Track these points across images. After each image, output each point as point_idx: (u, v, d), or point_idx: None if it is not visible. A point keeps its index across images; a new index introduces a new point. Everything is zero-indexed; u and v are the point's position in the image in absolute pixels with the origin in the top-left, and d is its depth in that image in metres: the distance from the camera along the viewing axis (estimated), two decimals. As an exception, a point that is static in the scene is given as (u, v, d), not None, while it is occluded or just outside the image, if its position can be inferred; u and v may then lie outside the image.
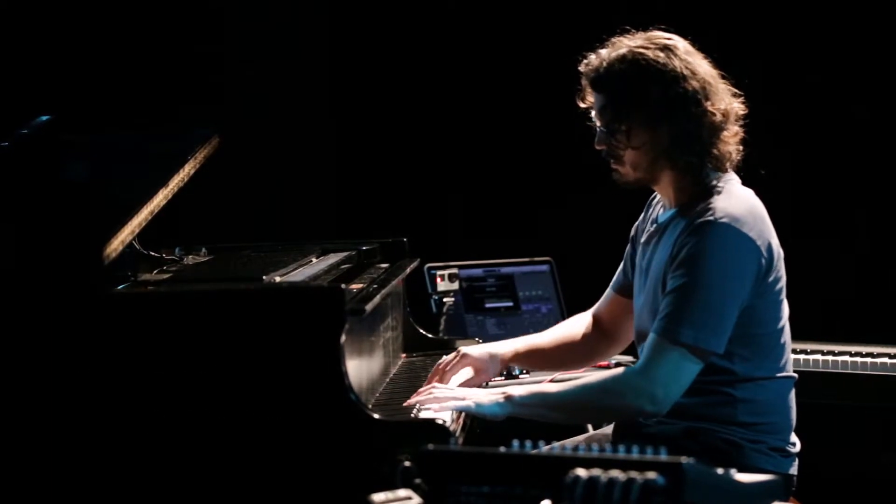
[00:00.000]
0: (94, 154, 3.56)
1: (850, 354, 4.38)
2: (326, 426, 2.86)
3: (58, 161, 3.40)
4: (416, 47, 5.56)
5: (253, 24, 5.55)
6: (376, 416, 2.89)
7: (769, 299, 3.13)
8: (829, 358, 4.37)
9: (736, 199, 3.12)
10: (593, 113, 3.23)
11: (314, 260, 3.60)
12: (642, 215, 3.40)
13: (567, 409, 3.15)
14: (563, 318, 4.79)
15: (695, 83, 3.11)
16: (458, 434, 3.08)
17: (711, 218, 3.06)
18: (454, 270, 4.59)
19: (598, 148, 3.22)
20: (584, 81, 3.23)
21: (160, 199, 3.27)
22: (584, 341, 3.56)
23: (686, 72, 3.12)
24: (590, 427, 4.52)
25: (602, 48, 3.20)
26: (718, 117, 3.12)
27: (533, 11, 5.49)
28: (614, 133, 3.16)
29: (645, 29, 3.21)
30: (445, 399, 3.12)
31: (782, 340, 3.19)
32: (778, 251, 3.15)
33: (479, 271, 4.85)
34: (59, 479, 2.91)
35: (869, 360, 4.33)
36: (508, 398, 3.11)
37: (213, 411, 2.89)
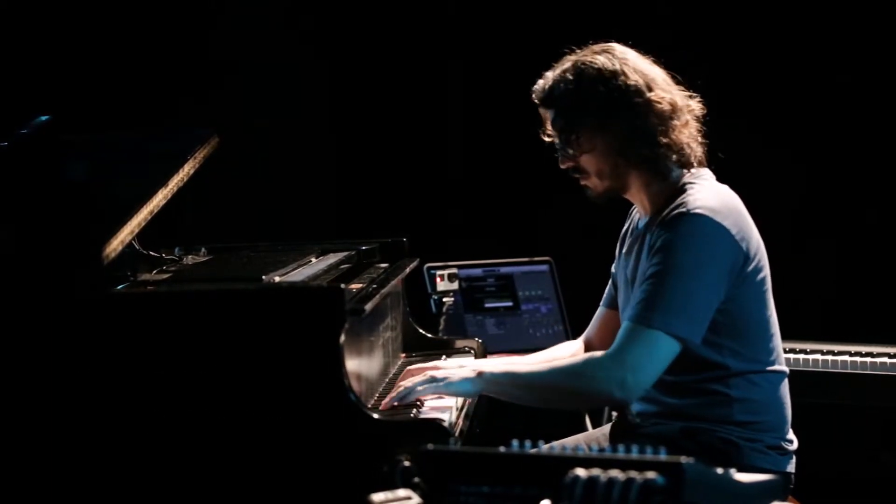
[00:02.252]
0: (94, 154, 3.56)
1: (850, 354, 4.38)
2: (326, 426, 2.86)
3: (57, 161, 3.40)
4: (415, 47, 5.57)
5: (252, 24, 5.55)
6: (375, 415, 2.89)
7: (752, 290, 3.13)
8: (829, 358, 4.38)
9: (708, 192, 3.13)
10: (547, 128, 3.28)
11: (314, 260, 3.60)
12: (625, 226, 3.42)
13: (536, 390, 3.14)
14: (563, 318, 4.82)
15: (634, 76, 3.16)
16: (457, 434, 3.08)
17: (685, 209, 3.08)
18: (454, 270, 4.60)
19: (563, 167, 3.27)
20: (540, 110, 3.28)
21: (160, 198, 3.27)
22: None
23: (624, 67, 3.17)
24: (589, 426, 4.53)
25: (548, 71, 3.27)
26: (665, 106, 3.16)
27: (533, 11, 5.49)
28: (569, 143, 3.19)
29: (587, 44, 3.27)
30: (415, 384, 3.13)
31: (771, 332, 3.19)
32: (758, 242, 3.16)
33: (478, 271, 4.85)
34: (58, 478, 2.91)
35: (869, 359, 4.34)
36: (479, 374, 3.12)
37: (212, 411, 2.89)
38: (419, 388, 3.12)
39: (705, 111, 3.25)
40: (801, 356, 4.36)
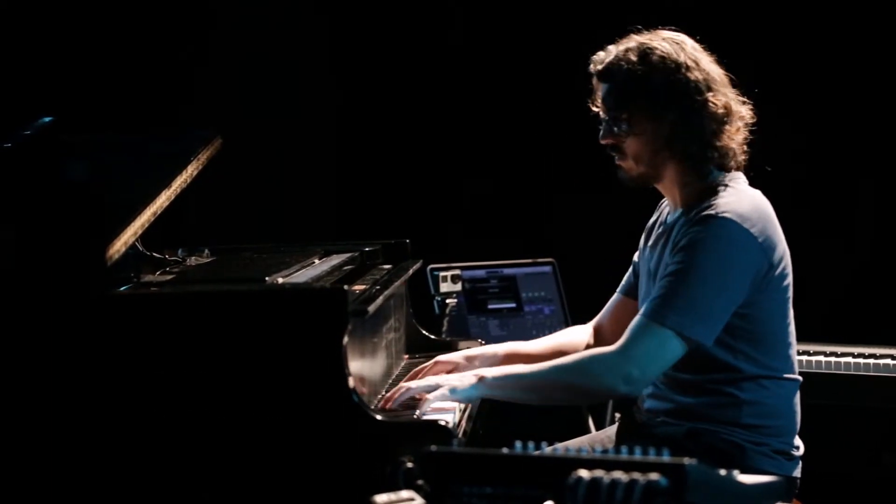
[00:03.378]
0: (97, 155, 3.55)
1: (853, 356, 4.38)
2: (329, 427, 2.87)
3: (60, 162, 3.40)
4: (417, 48, 5.57)
5: (254, 25, 5.55)
6: (379, 417, 2.89)
7: (775, 297, 3.13)
8: (833, 359, 4.38)
9: (741, 196, 3.12)
10: (597, 100, 3.25)
11: (317, 261, 3.60)
12: (652, 218, 3.40)
13: (541, 389, 3.13)
14: (566, 319, 4.81)
15: (698, 74, 3.14)
16: (460, 435, 3.08)
17: (714, 212, 3.07)
18: (457, 272, 4.59)
19: (602, 142, 3.23)
20: (593, 80, 3.25)
21: (163, 200, 3.27)
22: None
23: (689, 62, 3.15)
24: (592, 427, 4.52)
25: (611, 45, 3.23)
26: (720, 110, 3.14)
27: (536, 12, 5.49)
28: (617, 120, 3.17)
29: (655, 28, 3.24)
30: (418, 387, 3.12)
31: (788, 341, 3.19)
32: (784, 251, 3.15)
33: (481, 272, 4.85)
34: (64, 479, 2.91)
35: (871, 361, 4.34)
36: (481, 379, 3.11)
37: (215, 413, 2.90)
38: (424, 393, 3.12)
39: (755, 119, 3.23)
40: (805, 357, 4.36)
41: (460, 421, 3.15)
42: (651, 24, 3.27)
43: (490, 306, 4.81)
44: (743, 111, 3.20)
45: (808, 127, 5.21)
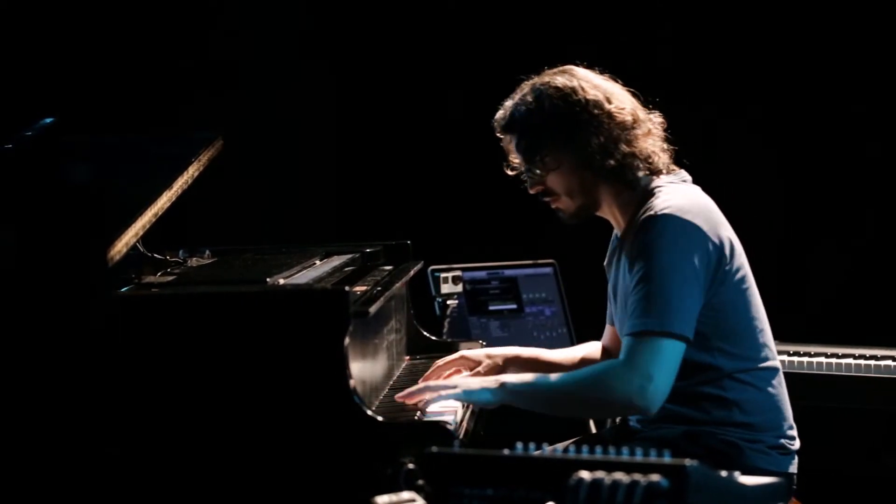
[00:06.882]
0: (98, 156, 3.56)
1: (854, 357, 4.38)
2: (330, 428, 2.87)
3: (61, 163, 3.41)
4: (418, 50, 5.57)
5: (255, 26, 5.55)
6: (380, 418, 2.90)
7: (734, 289, 3.15)
8: (833, 360, 4.38)
9: (675, 194, 3.17)
10: (512, 158, 3.32)
11: (318, 262, 3.61)
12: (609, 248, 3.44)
13: (557, 402, 3.13)
14: (567, 321, 4.81)
15: (594, 91, 3.22)
16: (461, 436, 3.08)
17: (653, 213, 3.11)
18: (458, 273, 4.59)
19: (532, 192, 3.30)
20: (502, 139, 3.31)
21: (164, 201, 3.27)
22: None
23: (582, 83, 3.22)
24: (593, 428, 4.52)
25: (507, 101, 3.31)
26: (626, 116, 3.20)
27: (537, 15, 5.49)
28: (535, 163, 3.22)
29: (542, 71, 3.32)
30: (436, 389, 3.13)
31: (759, 328, 3.20)
32: (732, 241, 3.17)
33: (482, 273, 4.85)
34: (62, 480, 2.91)
35: (872, 362, 4.34)
36: (501, 385, 3.12)
37: (216, 413, 2.90)
38: (441, 391, 3.12)
39: (665, 124, 3.29)
40: (806, 359, 4.36)
41: (462, 422, 3.16)
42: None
43: (491, 307, 4.81)
44: (652, 118, 3.27)
45: (807, 128, 5.21)
